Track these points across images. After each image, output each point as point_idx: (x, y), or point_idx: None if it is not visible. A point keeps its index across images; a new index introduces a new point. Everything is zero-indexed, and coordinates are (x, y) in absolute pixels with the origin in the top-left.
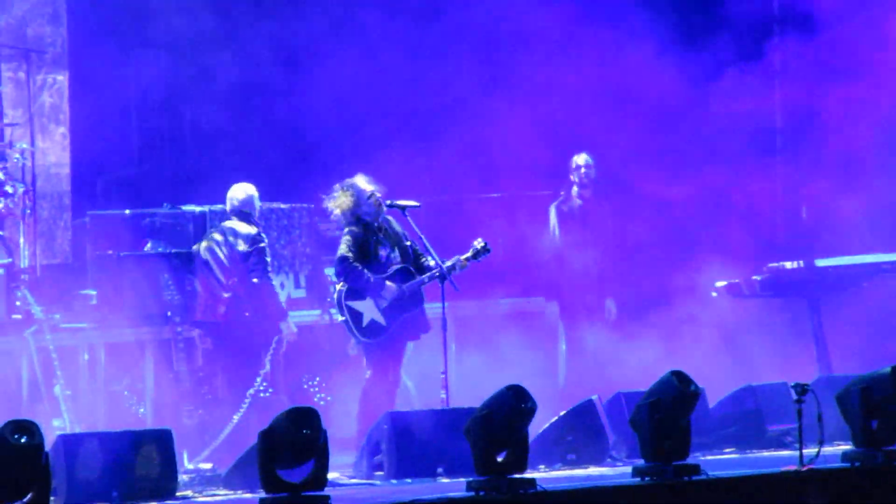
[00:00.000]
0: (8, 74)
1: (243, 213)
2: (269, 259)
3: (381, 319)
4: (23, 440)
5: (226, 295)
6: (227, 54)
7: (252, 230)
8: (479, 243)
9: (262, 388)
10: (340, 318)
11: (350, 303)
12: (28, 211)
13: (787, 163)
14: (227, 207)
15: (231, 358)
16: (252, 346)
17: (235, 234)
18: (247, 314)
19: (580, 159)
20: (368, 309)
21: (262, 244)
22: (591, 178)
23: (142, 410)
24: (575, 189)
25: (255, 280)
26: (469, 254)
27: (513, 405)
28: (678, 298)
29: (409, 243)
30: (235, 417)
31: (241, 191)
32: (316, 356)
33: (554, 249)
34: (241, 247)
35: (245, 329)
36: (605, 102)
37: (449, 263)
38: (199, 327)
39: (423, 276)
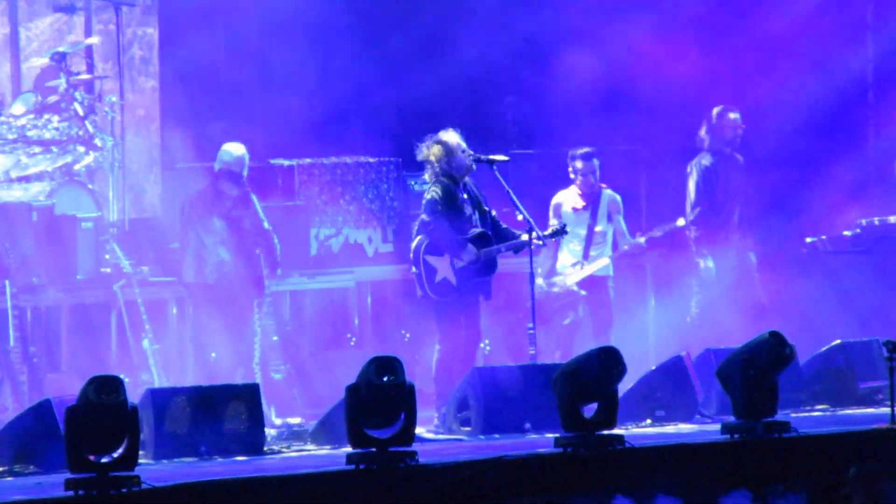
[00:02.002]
0: (98, 27)
1: (232, 173)
2: (263, 216)
3: (452, 279)
4: (106, 396)
5: (210, 258)
6: (318, 5)
7: (234, 191)
8: (557, 224)
9: (351, 341)
10: (414, 271)
11: (428, 257)
12: (117, 164)
13: (879, 116)
14: (216, 167)
15: (224, 321)
16: (242, 309)
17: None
18: (238, 274)
19: (733, 114)
20: (444, 266)
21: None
22: (739, 135)
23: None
24: (719, 144)
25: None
26: (549, 231)
27: (601, 367)
28: (768, 254)
29: (487, 208)
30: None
31: (229, 151)
32: (404, 310)
33: (697, 207)
34: (224, 207)
35: (231, 292)
36: (707, 56)
37: (535, 234)
38: (188, 290)
39: (501, 245)
